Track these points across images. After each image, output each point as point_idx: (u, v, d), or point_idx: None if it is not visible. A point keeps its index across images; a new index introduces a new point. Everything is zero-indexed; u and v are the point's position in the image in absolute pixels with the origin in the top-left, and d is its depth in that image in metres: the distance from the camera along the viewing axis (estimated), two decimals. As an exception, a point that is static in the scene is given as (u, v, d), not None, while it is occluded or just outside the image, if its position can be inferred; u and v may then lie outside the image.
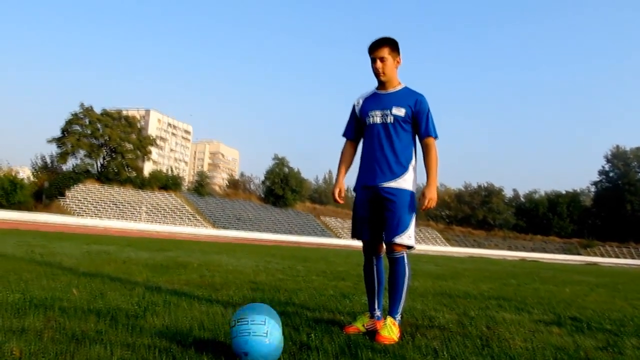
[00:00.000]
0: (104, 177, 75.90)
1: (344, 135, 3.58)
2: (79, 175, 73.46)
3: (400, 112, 3.29)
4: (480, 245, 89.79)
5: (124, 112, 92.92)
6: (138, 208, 71.13)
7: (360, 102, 3.48)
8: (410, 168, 3.31)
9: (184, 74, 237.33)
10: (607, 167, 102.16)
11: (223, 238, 51.12)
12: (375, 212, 3.31)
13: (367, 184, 3.33)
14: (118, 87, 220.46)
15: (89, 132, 77.31)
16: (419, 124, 3.32)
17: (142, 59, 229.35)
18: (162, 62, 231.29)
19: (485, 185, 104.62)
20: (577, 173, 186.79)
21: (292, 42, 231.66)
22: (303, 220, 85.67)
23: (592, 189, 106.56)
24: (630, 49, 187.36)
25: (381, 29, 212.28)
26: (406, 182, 3.27)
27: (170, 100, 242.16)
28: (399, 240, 3.20)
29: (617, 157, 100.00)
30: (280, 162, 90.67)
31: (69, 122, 76.47)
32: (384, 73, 3.33)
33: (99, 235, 26.28)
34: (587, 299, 6.90)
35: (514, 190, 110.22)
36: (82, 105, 77.62)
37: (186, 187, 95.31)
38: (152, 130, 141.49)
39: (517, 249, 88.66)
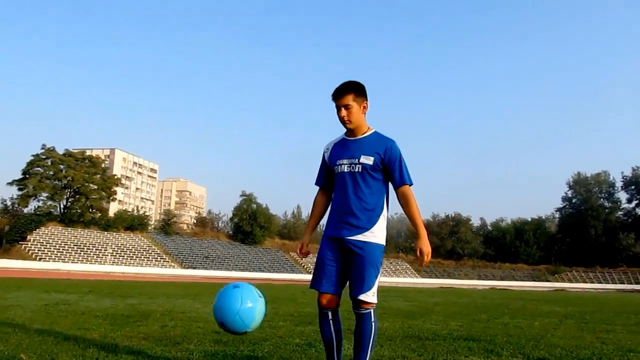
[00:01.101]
0: (68, 219, 74.29)
1: (316, 183, 3.48)
2: (41, 218, 71.75)
3: (368, 160, 3.16)
4: (450, 276, 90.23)
5: (88, 152, 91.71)
6: (103, 250, 69.49)
7: (329, 149, 3.36)
8: (381, 219, 3.19)
9: (149, 112, 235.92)
10: (569, 194, 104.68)
11: (191, 278, 50.18)
12: (340, 264, 3.18)
13: (334, 236, 3.20)
14: (81, 127, 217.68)
15: (51, 173, 76.00)
16: (392, 173, 3.21)
17: (106, 98, 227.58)
18: (126, 101, 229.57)
19: (453, 215, 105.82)
20: (541, 200, 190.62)
21: (257, 78, 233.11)
22: (272, 256, 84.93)
23: (557, 215, 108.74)
24: (589, 77, 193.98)
25: (341, 58, 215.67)
26: (375, 235, 3.15)
27: (135, 138, 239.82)
28: (363, 297, 3.08)
29: (579, 184, 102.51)
30: (248, 199, 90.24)
31: (31, 164, 75.05)
32: (350, 121, 3.20)
33: (61, 280, 25.46)
34: (556, 333, 6.86)
35: (481, 219, 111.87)
36: (44, 146, 76.42)
37: (153, 227, 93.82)
38: (117, 170, 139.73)
39: (486, 277, 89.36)
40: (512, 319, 9.58)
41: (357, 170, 3.17)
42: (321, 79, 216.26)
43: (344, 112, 3.18)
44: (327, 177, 3.40)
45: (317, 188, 3.51)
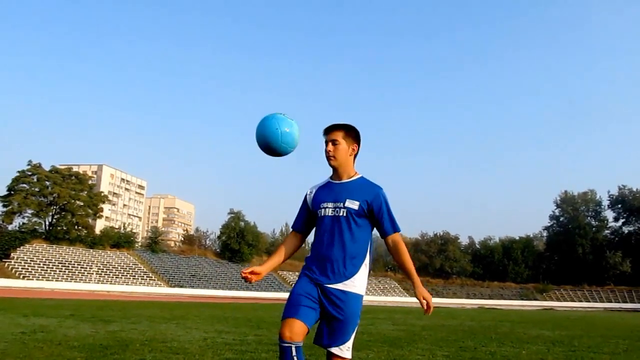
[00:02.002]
0: (53, 237, 73.38)
1: (293, 226, 3.32)
2: (26, 235, 70.80)
3: (354, 205, 3.03)
4: (438, 294, 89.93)
5: (75, 169, 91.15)
6: (88, 268, 68.64)
7: (313, 192, 3.23)
8: (362, 268, 3.04)
9: (137, 128, 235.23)
10: (557, 212, 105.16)
11: (177, 297, 49.67)
12: (317, 302, 2.97)
13: (315, 283, 3.02)
14: (69, 143, 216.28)
15: (37, 189, 75.23)
16: (381, 221, 3.08)
17: (94, 114, 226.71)
18: (114, 117, 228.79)
19: (441, 233, 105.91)
20: (529, 218, 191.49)
21: (246, 95, 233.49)
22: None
23: (545, 233, 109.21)
24: (575, 95, 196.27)
25: (328, 72, 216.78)
26: (356, 285, 2.99)
27: (123, 154, 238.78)
28: (336, 351, 2.92)
29: (566, 202, 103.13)
30: (235, 216, 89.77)
31: (16, 180, 74.25)
32: (334, 157, 3.10)
33: (44, 300, 25.02)
34: (544, 366, 6.74)
35: (470, 237, 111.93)
36: (30, 162, 75.73)
37: (140, 244, 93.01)
38: (105, 186, 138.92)
39: (475, 296, 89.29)
40: (500, 346, 9.45)
41: (341, 214, 3.04)
42: (310, 98, 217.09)
43: (330, 147, 3.12)
44: (306, 222, 3.26)
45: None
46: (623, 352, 8.90)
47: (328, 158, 3.13)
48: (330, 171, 3.23)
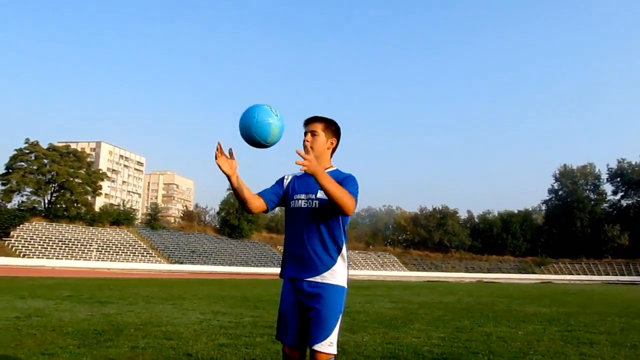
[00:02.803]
0: (52, 215, 73.52)
1: (259, 192, 3.09)
2: (25, 213, 70.92)
3: (326, 195, 2.93)
4: (437, 268, 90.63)
5: (73, 146, 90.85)
6: (88, 245, 68.88)
7: (289, 178, 3.16)
8: (340, 260, 2.96)
9: (135, 104, 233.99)
10: (556, 186, 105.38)
11: (177, 273, 49.89)
12: (302, 312, 2.93)
13: (294, 277, 2.97)
14: (67, 120, 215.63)
15: (35, 168, 75.09)
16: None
17: (92, 90, 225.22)
18: (112, 93, 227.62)
19: (440, 207, 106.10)
20: (528, 192, 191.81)
21: (245, 71, 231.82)
22: (260, 250, 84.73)
23: (543, 207, 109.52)
24: (576, 69, 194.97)
25: (325, 47, 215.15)
26: (335, 276, 2.91)
27: (122, 131, 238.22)
28: (318, 347, 2.82)
29: (565, 176, 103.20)
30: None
31: (14, 158, 74.13)
32: (311, 148, 3.02)
33: (43, 279, 25.09)
34: (539, 348, 6.71)
35: (469, 211, 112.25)
36: (27, 140, 75.46)
37: (139, 220, 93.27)
38: (104, 163, 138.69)
39: (473, 270, 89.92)
40: (496, 326, 9.44)
41: (314, 206, 2.98)
42: (307, 71, 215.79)
43: (308, 138, 3.06)
44: (275, 196, 3.10)
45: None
46: (619, 332, 8.90)
47: (305, 148, 3.04)
48: None
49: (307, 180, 3.05)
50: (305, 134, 3.07)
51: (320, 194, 2.96)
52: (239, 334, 7.39)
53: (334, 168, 3.12)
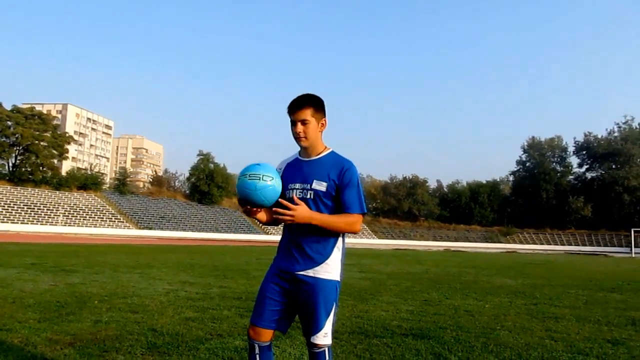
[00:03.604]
0: (17, 178, 71.88)
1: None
2: (-12, 177, 69.05)
3: (321, 186, 2.81)
4: (406, 237, 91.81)
5: (39, 108, 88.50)
6: (55, 210, 67.65)
7: (282, 169, 2.99)
8: (335, 251, 2.84)
9: (104, 66, 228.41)
10: (524, 157, 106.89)
11: (146, 239, 49.47)
12: (285, 300, 2.83)
13: (282, 269, 2.86)
14: (32, 81, 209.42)
15: (-2, 130, 72.91)
16: (342, 197, 2.81)
17: (58, 50, 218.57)
18: (80, 54, 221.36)
19: (410, 177, 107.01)
20: (497, 163, 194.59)
21: (216, 35, 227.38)
22: (230, 217, 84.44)
23: (511, 178, 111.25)
24: (543, 45, 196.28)
25: (297, 22, 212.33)
26: (328, 270, 2.80)
27: (89, 93, 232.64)
28: (314, 340, 2.77)
29: (533, 148, 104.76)
30: (205, 158, 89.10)
31: (-25, 120, 71.76)
32: (306, 137, 2.84)
33: (8, 245, 24.56)
34: (506, 323, 6.76)
35: (438, 181, 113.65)
36: (-11, 101, 72.92)
37: (108, 185, 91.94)
38: (70, 126, 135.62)
39: (441, 238, 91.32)
40: (464, 298, 9.54)
41: (309, 196, 2.82)
42: (280, 35, 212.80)
43: (300, 128, 2.83)
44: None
45: None
46: (583, 305, 9.06)
47: (298, 139, 2.86)
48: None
49: (301, 168, 2.90)
50: (294, 123, 2.84)
51: (316, 185, 2.82)
52: (206, 307, 7.28)
53: (329, 150, 2.94)
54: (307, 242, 2.80)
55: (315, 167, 2.87)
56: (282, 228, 2.99)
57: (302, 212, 2.69)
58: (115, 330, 5.44)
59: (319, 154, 2.91)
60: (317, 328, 2.76)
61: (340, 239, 2.87)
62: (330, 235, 2.83)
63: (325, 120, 2.92)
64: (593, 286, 13.14)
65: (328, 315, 2.78)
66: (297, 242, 2.82)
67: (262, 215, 2.92)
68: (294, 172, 2.92)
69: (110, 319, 6.05)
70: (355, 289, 10.47)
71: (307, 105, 2.84)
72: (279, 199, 2.75)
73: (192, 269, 14.19)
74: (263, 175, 2.74)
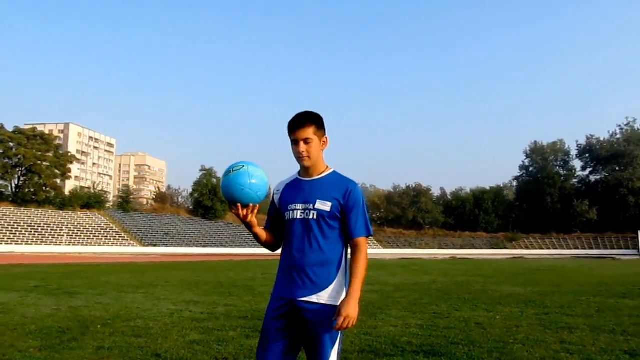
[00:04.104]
0: (20, 199, 71.86)
1: (264, 227, 2.91)
2: (-8, 199, 69.08)
3: (325, 206, 2.67)
4: (411, 245, 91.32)
5: (41, 128, 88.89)
6: (59, 230, 67.56)
7: (280, 190, 2.85)
8: (339, 275, 2.68)
9: (105, 85, 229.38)
10: (526, 162, 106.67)
11: (151, 257, 49.31)
12: (289, 334, 2.66)
13: (284, 296, 2.68)
14: (34, 102, 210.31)
15: (0, 151, 73.05)
16: (348, 220, 2.69)
17: (60, 71, 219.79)
18: (80, 73, 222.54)
19: (414, 185, 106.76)
20: (500, 168, 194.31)
21: (214, 49, 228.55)
22: (234, 231, 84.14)
23: (514, 183, 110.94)
24: (542, 48, 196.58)
25: (298, 28, 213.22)
26: (332, 296, 2.63)
27: (91, 112, 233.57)
28: None
29: (536, 152, 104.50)
30: (207, 173, 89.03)
31: (-22, 142, 71.96)
32: (309, 156, 2.71)
33: (12, 267, 24.42)
34: (519, 336, 6.60)
35: (441, 188, 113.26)
36: (-9, 123, 73.20)
37: (112, 203, 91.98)
38: (73, 145, 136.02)
39: (447, 246, 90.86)
40: (473, 310, 9.37)
41: (311, 217, 2.68)
42: (281, 48, 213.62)
43: (302, 147, 2.69)
44: (277, 223, 2.87)
45: None
46: (595, 313, 8.89)
47: (301, 159, 2.72)
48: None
49: (303, 188, 2.77)
50: (296, 142, 2.70)
51: (320, 204, 2.68)
52: (211, 328, 7.13)
53: (331, 170, 2.81)
54: (311, 267, 2.64)
55: (318, 186, 2.74)
56: (280, 252, 2.85)
57: (351, 307, 2.52)
58: (118, 357, 5.31)
59: (321, 173, 2.78)
60: (323, 357, 2.60)
61: (344, 261, 2.73)
62: (335, 258, 2.69)
63: (326, 137, 2.80)
64: (604, 292, 12.94)
65: (334, 344, 2.61)
66: (299, 267, 2.66)
67: (261, 232, 2.80)
68: (295, 192, 2.78)
69: (113, 345, 5.91)
70: (363, 303, 10.20)
71: (308, 123, 2.71)
72: (334, 328, 2.54)
73: (196, 287, 14.04)
74: (248, 167, 2.64)
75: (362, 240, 2.69)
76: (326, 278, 2.64)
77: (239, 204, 2.63)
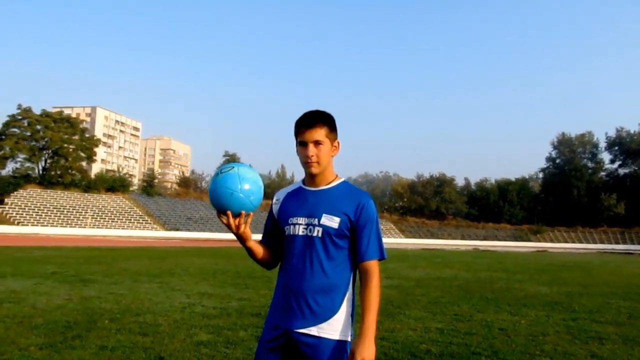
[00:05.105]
0: (47, 181, 72.92)
1: (260, 240, 2.51)
2: (19, 180, 70.29)
3: (332, 222, 2.28)
4: (433, 236, 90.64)
5: (68, 111, 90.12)
6: (84, 212, 68.39)
7: (280, 199, 2.46)
8: (345, 305, 2.28)
9: (132, 69, 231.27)
10: (553, 154, 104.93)
11: (173, 241, 49.58)
12: None
13: (279, 326, 2.31)
14: (62, 85, 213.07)
15: (28, 134, 74.22)
16: (359, 239, 2.30)
17: (87, 53, 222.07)
18: (108, 57, 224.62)
19: (437, 175, 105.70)
20: (526, 160, 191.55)
21: (242, 35, 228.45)
22: (255, 217, 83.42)
23: (540, 175, 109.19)
24: (577, 39, 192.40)
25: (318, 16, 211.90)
26: (335, 328, 2.25)
27: (117, 96, 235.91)
28: None
29: (563, 144, 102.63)
30: (231, 159, 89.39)
31: (6, 125, 73.25)
32: (318, 162, 2.31)
33: (35, 248, 24.66)
34: (546, 346, 6.20)
35: (466, 179, 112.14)
36: (19, 106, 74.32)
37: (136, 187, 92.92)
38: (99, 128, 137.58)
39: (469, 237, 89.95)
40: (497, 312, 8.97)
41: (315, 234, 2.29)
42: (308, 34, 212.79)
43: (312, 150, 2.30)
44: (275, 238, 2.47)
45: None
46: (627, 321, 8.42)
47: (309, 164, 2.32)
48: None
49: (307, 199, 2.37)
50: (305, 144, 2.31)
51: (326, 220, 2.29)
52: (221, 326, 6.86)
53: (341, 180, 2.41)
54: (312, 293, 2.25)
55: (324, 198, 2.34)
56: (277, 271, 2.46)
57: (367, 348, 2.13)
58: (120, 359, 5.05)
59: (329, 183, 2.38)
60: None
61: (350, 289, 2.32)
62: (341, 284, 2.29)
63: (338, 142, 2.40)
64: (634, 295, 12.39)
65: None
66: (298, 293, 2.26)
67: (256, 247, 2.38)
68: (298, 203, 2.38)
69: (117, 344, 5.67)
70: (381, 300, 9.95)
71: (320, 123, 2.32)
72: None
73: (213, 277, 13.84)
74: (239, 168, 2.25)
75: (374, 264, 2.30)
76: (329, 307, 2.25)
77: (228, 212, 2.21)
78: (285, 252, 2.39)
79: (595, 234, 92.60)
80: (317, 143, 2.30)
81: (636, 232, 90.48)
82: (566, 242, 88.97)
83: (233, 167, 2.25)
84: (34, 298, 8.98)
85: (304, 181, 2.45)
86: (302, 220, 2.33)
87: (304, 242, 2.31)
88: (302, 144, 2.32)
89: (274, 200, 2.49)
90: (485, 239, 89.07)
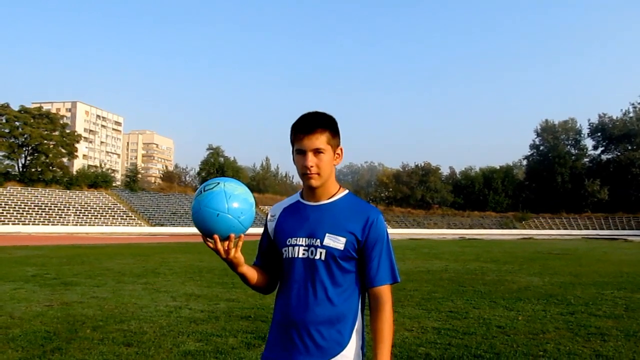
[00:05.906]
0: (27, 179, 71.68)
1: (255, 263, 2.17)
2: (-1, 178, 68.97)
3: (337, 243, 1.96)
4: (420, 225, 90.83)
5: (48, 107, 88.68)
6: (66, 210, 67.40)
7: (276, 215, 2.12)
8: (354, 337, 1.98)
9: (112, 62, 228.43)
10: (537, 141, 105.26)
11: (158, 237, 49.02)
12: None
13: None
14: (41, 80, 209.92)
15: (7, 131, 72.81)
16: (368, 262, 1.98)
17: (66, 48, 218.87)
18: (87, 51, 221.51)
19: (422, 164, 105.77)
20: (510, 147, 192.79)
21: (220, 29, 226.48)
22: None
23: (524, 162, 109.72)
24: (558, 28, 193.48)
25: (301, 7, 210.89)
26: None
27: (98, 90, 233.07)
28: None
29: (547, 131, 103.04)
30: (215, 152, 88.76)
31: (-17, 122, 71.71)
32: (318, 173, 1.97)
33: (16, 248, 24.10)
34: (548, 347, 5.97)
35: (451, 167, 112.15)
36: (-4, 102, 72.85)
37: (119, 182, 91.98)
38: (80, 124, 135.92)
39: (455, 226, 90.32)
40: (492, 307, 8.78)
41: (317, 256, 1.98)
42: (289, 24, 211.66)
43: (312, 160, 1.96)
44: (270, 257, 2.14)
45: None
46: (624, 313, 8.26)
47: (307, 176, 1.97)
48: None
49: (307, 216, 2.03)
50: (303, 153, 1.97)
51: (329, 240, 1.96)
52: (209, 333, 6.56)
53: (345, 192, 2.08)
54: (316, 325, 1.93)
55: (327, 215, 2.01)
56: (275, 296, 2.13)
57: None
58: (101, 376, 4.74)
59: (331, 196, 2.05)
60: None
61: (359, 319, 2.01)
62: (349, 313, 1.97)
63: (341, 149, 2.06)
64: (626, 283, 12.31)
65: None
66: (300, 325, 1.95)
67: (250, 273, 2.02)
68: (296, 220, 2.05)
69: (100, 357, 5.34)
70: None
71: (321, 128, 1.97)
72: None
73: (199, 276, 13.50)
74: (225, 184, 1.91)
75: (386, 289, 1.98)
76: (337, 341, 1.93)
77: (215, 236, 1.86)
78: (283, 278, 2.06)
79: (580, 220, 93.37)
80: (317, 151, 1.96)
81: (619, 218, 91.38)
82: (551, 228, 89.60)
83: (218, 184, 1.92)
84: (12, 305, 8.59)
85: (302, 194, 2.10)
86: (302, 241, 2.00)
87: (304, 266, 1.98)
88: (299, 152, 1.98)
89: (269, 217, 2.14)
90: (471, 227, 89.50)
